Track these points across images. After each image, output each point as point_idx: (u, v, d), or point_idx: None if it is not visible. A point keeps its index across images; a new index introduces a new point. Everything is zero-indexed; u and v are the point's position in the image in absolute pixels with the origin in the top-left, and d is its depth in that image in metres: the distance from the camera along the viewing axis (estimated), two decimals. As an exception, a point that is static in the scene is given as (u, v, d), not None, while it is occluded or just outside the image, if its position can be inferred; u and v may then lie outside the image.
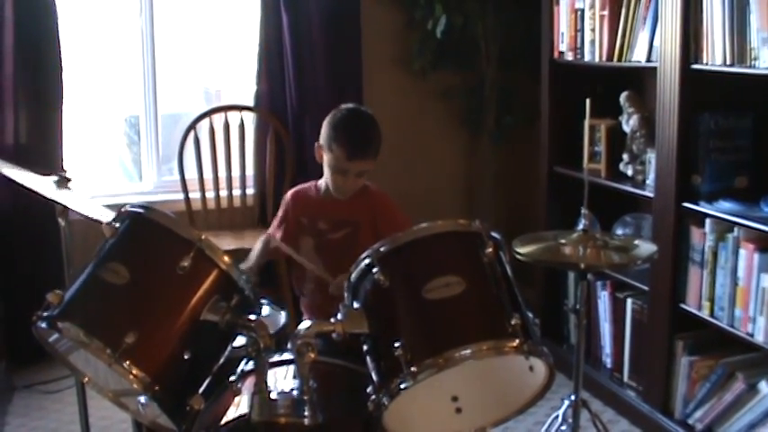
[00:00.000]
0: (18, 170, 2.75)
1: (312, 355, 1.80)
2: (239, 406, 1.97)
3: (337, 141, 2.66)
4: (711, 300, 3.06)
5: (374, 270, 1.83)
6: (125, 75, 4.46)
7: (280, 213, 2.89)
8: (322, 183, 2.82)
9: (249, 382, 1.99)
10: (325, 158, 2.73)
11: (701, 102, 3.10)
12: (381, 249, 1.85)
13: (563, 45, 3.84)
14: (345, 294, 1.93)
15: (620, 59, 3.47)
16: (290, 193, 2.90)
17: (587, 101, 2.84)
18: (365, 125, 2.73)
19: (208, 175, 4.21)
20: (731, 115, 3.12)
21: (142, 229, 1.93)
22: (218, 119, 4.22)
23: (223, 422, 1.93)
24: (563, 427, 2.83)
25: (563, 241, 2.65)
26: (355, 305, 1.89)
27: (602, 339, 3.79)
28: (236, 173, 4.29)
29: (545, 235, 2.77)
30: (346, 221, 2.73)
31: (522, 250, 2.56)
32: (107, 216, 2.04)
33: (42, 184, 2.62)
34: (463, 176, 4.83)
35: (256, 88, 4.34)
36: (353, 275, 1.90)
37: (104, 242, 1.92)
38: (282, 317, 2.59)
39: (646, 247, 2.69)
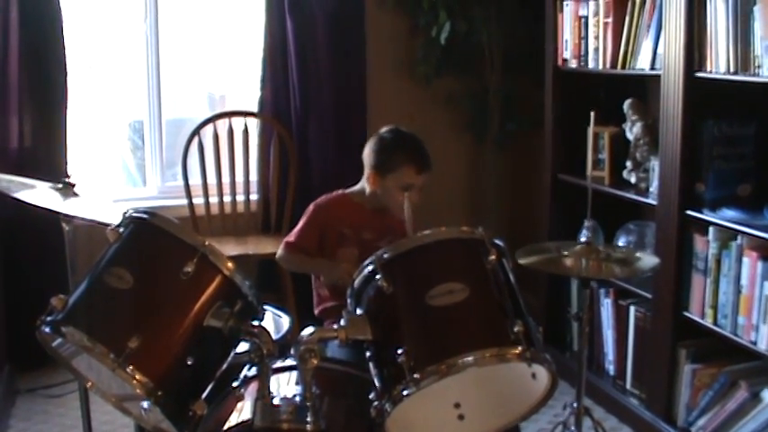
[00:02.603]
0: (20, 180, 2.76)
1: (315, 362, 1.80)
2: (242, 412, 1.97)
3: (403, 160, 2.80)
4: (714, 308, 3.06)
5: (377, 276, 1.84)
6: (129, 79, 4.46)
7: (305, 224, 2.89)
8: (355, 194, 2.91)
9: (252, 388, 1.99)
10: (385, 182, 2.82)
11: (705, 109, 3.10)
12: (385, 256, 1.86)
13: (567, 52, 3.84)
14: (349, 300, 1.93)
15: (623, 67, 3.47)
16: (320, 205, 2.92)
17: (591, 114, 2.84)
18: (417, 140, 2.89)
19: (211, 180, 4.22)
20: (735, 123, 3.12)
21: (146, 235, 1.93)
22: (222, 124, 4.22)
23: (226, 428, 1.93)
24: (565, 435, 2.83)
25: (565, 253, 2.65)
26: (358, 311, 1.89)
27: (605, 347, 3.79)
28: (239, 178, 4.29)
29: (547, 246, 2.77)
30: (390, 228, 2.83)
31: (524, 262, 2.56)
32: (113, 218, 2.05)
33: (45, 193, 2.63)
34: (467, 183, 4.83)
35: (260, 94, 4.35)
36: (356, 282, 1.90)
37: (108, 247, 1.93)
38: (286, 323, 2.60)
39: (648, 260, 2.69)
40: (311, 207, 2.91)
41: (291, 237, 2.90)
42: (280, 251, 2.91)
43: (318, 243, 2.84)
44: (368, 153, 2.89)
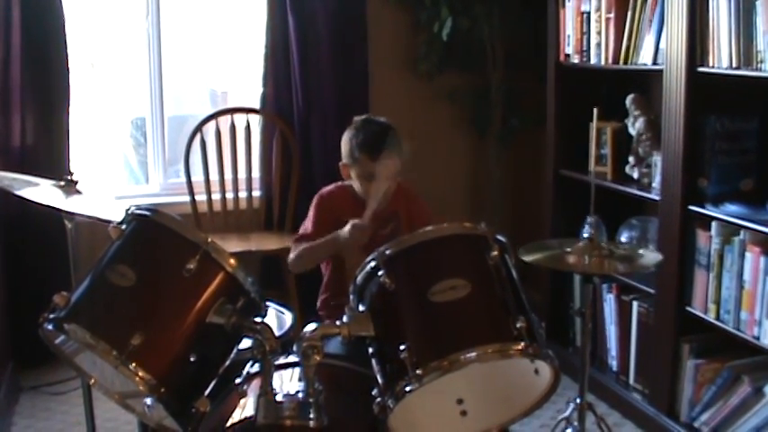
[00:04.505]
0: (23, 177, 2.76)
1: (318, 358, 1.81)
2: (245, 408, 1.97)
3: (358, 147, 2.76)
4: (717, 303, 3.06)
5: (380, 273, 1.84)
6: (131, 76, 4.47)
7: (312, 217, 2.87)
8: (353, 185, 2.87)
9: (255, 385, 1.99)
10: (353, 173, 2.80)
11: (707, 104, 3.10)
12: (387, 252, 1.86)
13: (569, 48, 3.84)
14: (351, 297, 1.93)
15: (626, 62, 3.47)
16: (323, 196, 2.90)
17: (594, 109, 2.84)
18: (378, 124, 2.84)
19: (214, 177, 4.22)
20: (737, 118, 3.11)
21: (149, 232, 1.93)
22: (225, 121, 4.22)
23: (229, 424, 1.93)
24: (568, 430, 2.82)
25: (568, 250, 2.65)
26: (361, 308, 1.89)
27: (608, 342, 3.79)
28: (242, 175, 4.29)
29: (550, 243, 2.77)
30: (390, 216, 2.83)
31: (527, 258, 2.56)
32: (116, 215, 2.05)
33: (48, 190, 2.63)
34: (469, 179, 4.83)
35: (263, 90, 4.35)
36: (359, 278, 1.90)
37: (111, 244, 1.93)
38: (288, 319, 2.60)
39: (651, 257, 2.69)
40: (317, 199, 2.90)
41: (301, 231, 2.87)
42: (291, 254, 2.84)
43: (324, 232, 2.81)
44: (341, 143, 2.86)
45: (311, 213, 2.88)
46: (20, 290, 3.90)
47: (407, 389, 1.72)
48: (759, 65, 2.76)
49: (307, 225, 2.87)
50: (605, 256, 2.61)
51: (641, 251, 2.79)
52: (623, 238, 3.57)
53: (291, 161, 4.28)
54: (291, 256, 2.85)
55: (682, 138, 3.13)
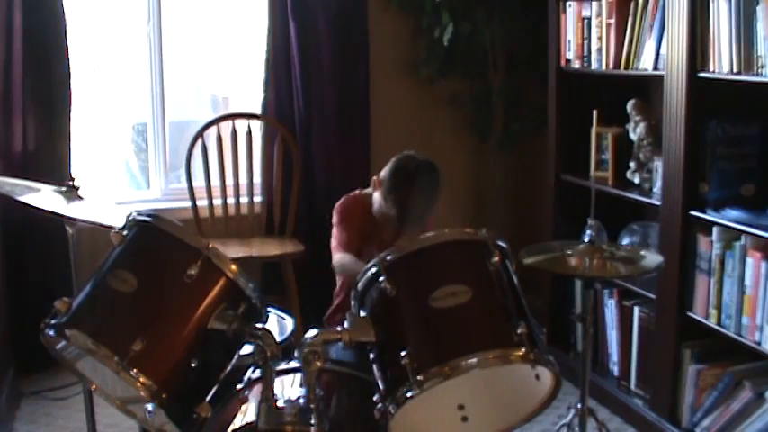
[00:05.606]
0: (24, 183, 2.77)
1: (319, 364, 1.81)
2: (246, 414, 1.97)
3: (393, 201, 2.76)
4: (718, 308, 3.05)
5: (381, 279, 1.84)
6: (133, 82, 4.47)
7: (341, 226, 2.92)
8: (373, 198, 2.91)
9: (256, 390, 1.99)
10: (378, 195, 2.83)
11: (708, 110, 3.10)
12: (388, 258, 1.86)
13: (570, 53, 3.84)
14: (352, 303, 1.93)
15: (626, 67, 3.47)
16: (349, 202, 2.97)
17: (594, 112, 2.85)
18: (425, 194, 2.82)
19: (215, 182, 4.22)
20: (738, 123, 3.11)
21: (150, 238, 1.94)
22: (226, 127, 4.22)
23: (230, 430, 1.93)
24: (569, 436, 2.82)
25: (569, 252, 2.65)
26: (362, 313, 1.90)
27: (609, 347, 3.79)
28: (243, 181, 4.29)
29: (551, 246, 2.77)
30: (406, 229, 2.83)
31: (528, 261, 2.56)
32: (117, 220, 2.06)
33: (49, 196, 2.64)
34: (470, 184, 4.83)
35: (264, 96, 4.35)
36: (360, 284, 1.90)
37: (112, 250, 1.94)
38: (289, 325, 2.60)
39: (652, 258, 2.69)
40: (339, 211, 2.95)
41: (336, 241, 2.90)
42: (336, 257, 2.88)
43: (350, 237, 2.87)
44: (388, 165, 2.87)
45: (338, 224, 2.93)
46: (21, 295, 3.91)
47: (408, 395, 1.73)
48: (760, 70, 2.76)
49: (340, 235, 2.91)
50: (607, 258, 2.60)
51: (643, 252, 2.79)
52: (624, 243, 3.57)
53: (292, 166, 4.28)
54: (337, 259, 2.88)
55: (682, 143, 3.13)
